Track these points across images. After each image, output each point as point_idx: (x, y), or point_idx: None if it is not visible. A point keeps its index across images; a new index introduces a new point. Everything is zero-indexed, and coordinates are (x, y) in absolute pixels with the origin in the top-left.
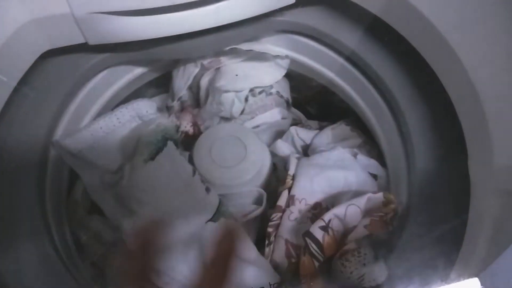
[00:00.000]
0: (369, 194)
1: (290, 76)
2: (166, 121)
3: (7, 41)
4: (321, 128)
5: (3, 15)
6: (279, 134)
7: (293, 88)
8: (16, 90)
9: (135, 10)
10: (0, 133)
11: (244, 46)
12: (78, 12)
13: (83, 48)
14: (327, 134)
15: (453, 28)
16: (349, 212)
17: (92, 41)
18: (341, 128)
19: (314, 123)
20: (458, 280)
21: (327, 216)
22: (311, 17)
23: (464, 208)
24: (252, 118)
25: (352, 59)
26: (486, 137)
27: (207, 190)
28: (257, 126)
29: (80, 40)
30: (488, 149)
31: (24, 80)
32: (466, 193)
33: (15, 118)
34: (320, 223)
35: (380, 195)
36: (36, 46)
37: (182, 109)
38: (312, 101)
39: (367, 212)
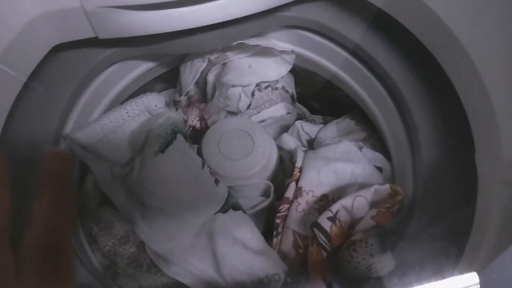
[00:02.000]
0: (376, 186)
1: (294, 71)
2: (175, 115)
3: (18, 34)
4: (325, 123)
5: (14, 9)
6: (284, 128)
7: (297, 83)
8: (26, 84)
9: (144, 4)
10: (11, 127)
11: (251, 41)
12: (89, 6)
13: (93, 42)
14: (332, 128)
15: (460, 20)
16: (356, 203)
17: (102, 35)
18: (346, 122)
19: (318, 118)
20: (458, 274)
21: (335, 207)
22: (317, 12)
23: (471, 201)
24: (258, 112)
25: (357, 53)
26: (493, 129)
27: (216, 182)
28: (263, 121)
29: (90, 34)
30: (495, 141)
31: (34, 74)
32: (473, 186)
33: (26, 112)
34: (328, 214)
35: (386, 186)
36: (47, 40)
37: (189, 104)
38: (316, 96)
39: (374, 204)
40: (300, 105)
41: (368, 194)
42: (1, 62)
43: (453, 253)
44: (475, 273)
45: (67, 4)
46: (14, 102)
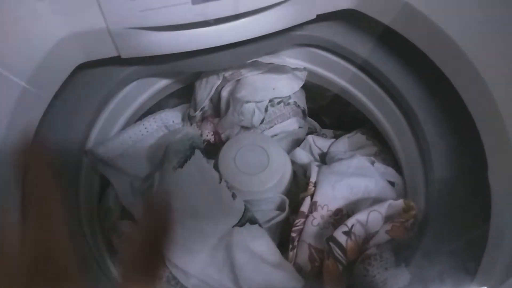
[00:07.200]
0: (390, 201)
1: (305, 86)
2: (193, 130)
3: (47, 55)
4: (336, 137)
5: (44, 30)
6: (296, 142)
7: (308, 98)
8: (52, 101)
9: (165, 25)
10: (38, 141)
11: (264, 59)
12: (113, 27)
13: (115, 61)
14: (344, 143)
15: (469, 38)
16: (371, 218)
17: (124, 54)
18: (357, 137)
19: (328, 132)
20: None
21: (350, 222)
22: (328, 30)
23: (486, 218)
24: (271, 127)
25: (368, 69)
26: (506, 147)
27: (233, 196)
28: (275, 135)
29: (113, 53)
30: (509, 158)
31: (58, 92)
32: (487, 203)
33: (50, 127)
34: (343, 228)
35: (400, 201)
36: (72, 59)
37: (203, 118)
38: (326, 110)
39: (388, 218)
40: (311, 120)
41: (382, 209)
42: (30, 84)
43: (467, 270)
44: None
45: (93, 26)
46: (42, 118)
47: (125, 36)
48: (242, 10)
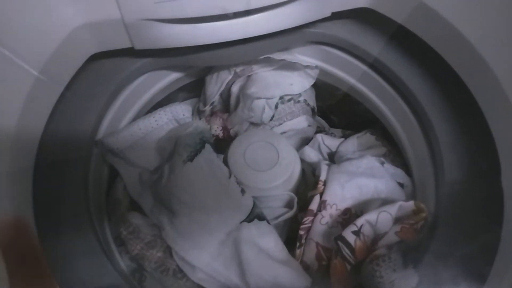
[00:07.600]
0: (401, 202)
1: (315, 84)
2: (203, 125)
3: (61, 44)
4: (344, 137)
5: (58, 19)
6: (304, 140)
7: (317, 97)
8: (64, 91)
9: (181, 18)
10: (48, 130)
11: (276, 56)
12: (128, 18)
13: (127, 52)
14: (353, 143)
15: (483, 37)
16: (380, 218)
17: (138, 46)
18: (367, 137)
19: (337, 131)
20: None
21: (359, 222)
22: (343, 29)
23: (498, 223)
24: (280, 124)
25: (380, 69)
26: None
27: (242, 192)
28: (284, 132)
29: (126, 44)
30: None
31: (71, 82)
32: (499, 208)
33: (62, 117)
34: (352, 227)
35: (411, 203)
36: (86, 49)
37: (212, 113)
38: (335, 109)
39: (397, 220)
40: (319, 118)
41: (392, 210)
42: (43, 73)
43: (477, 275)
44: None
45: (108, 16)
46: (54, 107)
47: (139, 28)
48: (256, 5)
